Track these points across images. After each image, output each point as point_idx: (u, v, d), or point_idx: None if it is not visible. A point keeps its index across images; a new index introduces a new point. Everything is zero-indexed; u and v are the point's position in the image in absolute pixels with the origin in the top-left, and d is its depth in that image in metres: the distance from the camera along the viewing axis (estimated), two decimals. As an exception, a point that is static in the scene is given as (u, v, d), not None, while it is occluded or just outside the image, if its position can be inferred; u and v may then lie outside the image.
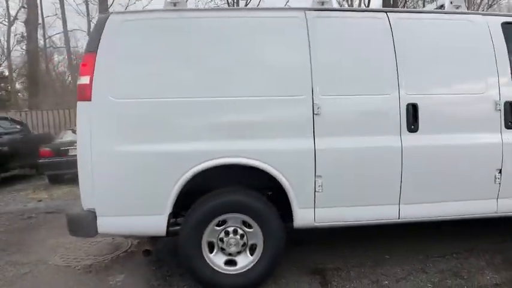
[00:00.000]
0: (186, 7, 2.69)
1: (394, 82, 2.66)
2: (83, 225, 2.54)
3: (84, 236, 2.78)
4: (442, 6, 3.06)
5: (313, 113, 2.58)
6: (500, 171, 2.76)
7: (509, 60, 2.80)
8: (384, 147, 2.65)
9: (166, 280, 2.85)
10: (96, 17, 3.46)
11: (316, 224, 2.68)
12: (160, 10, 2.67)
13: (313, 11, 2.71)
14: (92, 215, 2.52)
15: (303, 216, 2.64)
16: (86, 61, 2.52)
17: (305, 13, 2.70)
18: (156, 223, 2.55)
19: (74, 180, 8.76)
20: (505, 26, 2.86)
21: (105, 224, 2.53)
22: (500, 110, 2.75)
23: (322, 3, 2.74)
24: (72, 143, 8.32)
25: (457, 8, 2.89)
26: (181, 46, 2.58)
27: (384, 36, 2.71)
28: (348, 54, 2.68)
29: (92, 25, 16.31)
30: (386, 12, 2.80)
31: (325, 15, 2.71)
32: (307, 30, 2.65)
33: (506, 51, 2.81)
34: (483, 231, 3.50)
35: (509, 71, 2.79)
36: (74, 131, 9.72)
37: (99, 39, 2.52)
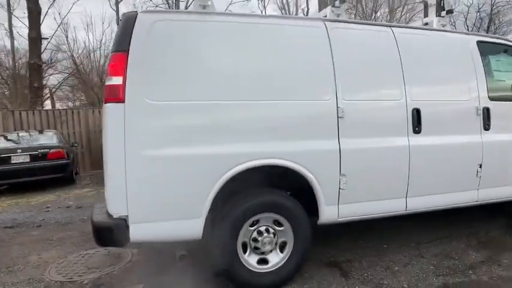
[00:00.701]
0: (214, 10, 2.71)
1: (402, 89, 3.01)
2: (114, 234, 2.40)
3: (115, 245, 2.61)
4: (427, 24, 3.52)
5: (338, 116, 2.80)
6: (480, 166, 3.27)
7: (484, 72, 3.35)
8: (396, 147, 2.97)
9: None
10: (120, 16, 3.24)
11: (339, 220, 2.89)
12: (192, 12, 2.66)
13: (332, 22, 2.93)
14: (124, 222, 2.40)
15: (329, 213, 2.83)
16: (116, 61, 2.40)
17: (325, 24, 2.91)
18: (193, 227, 2.51)
19: (16, 190, 7.85)
20: (480, 43, 3.41)
21: (138, 231, 2.42)
22: (480, 114, 3.27)
23: (338, 16, 2.98)
24: (13, 150, 7.47)
25: (444, 26, 3.37)
26: (213, 49, 2.60)
27: (391, 48, 3.05)
28: (363, 62, 2.95)
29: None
30: (391, 27, 3.15)
31: (342, 27, 2.96)
32: (329, 40, 2.86)
33: (482, 65, 3.35)
34: (455, 220, 4.06)
35: (485, 81, 3.33)
36: (6, 138, 8.72)
37: (130, 39, 2.42)
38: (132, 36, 2.43)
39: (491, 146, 3.29)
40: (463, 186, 3.27)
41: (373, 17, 24.68)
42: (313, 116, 2.77)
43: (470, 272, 2.93)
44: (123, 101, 2.37)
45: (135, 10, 2.58)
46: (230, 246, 2.58)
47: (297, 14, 23.11)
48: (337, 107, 2.79)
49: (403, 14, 28.90)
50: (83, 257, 3.52)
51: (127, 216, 2.40)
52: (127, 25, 2.46)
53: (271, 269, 2.70)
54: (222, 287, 2.71)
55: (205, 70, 2.56)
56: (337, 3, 3.01)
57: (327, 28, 2.89)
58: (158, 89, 2.44)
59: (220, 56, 2.61)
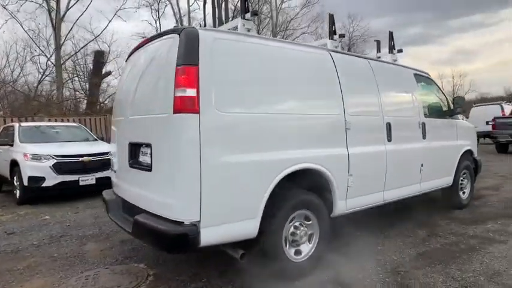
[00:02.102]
0: (255, 34, 3.08)
1: (380, 107, 3.89)
2: (187, 239, 2.48)
3: (185, 252, 2.66)
4: (379, 57, 4.57)
5: (346, 128, 3.48)
6: (422, 165, 4.42)
7: (420, 95, 4.56)
8: (379, 151, 3.81)
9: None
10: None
11: (347, 211, 3.54)
12: (242, 34, 2.97)
13: (335, 53, 3.63)
14: (195, 228, 2.52)
15: (340, 206, 3.45)
16: (189, 73, 2.54)
17: (330, 53, 3.58)
18: (251, 227, 2.78)
19: None
20: (415, 75, 4.63)
21: (208, 235, 2.56)
22: (420, 127, 4.43)
23: (336, 46, 3.71)
24: None
25: (395, 61, 4.47)
26: (262, 67, 2.96)
27: (371, 76, 3.92)
28: (356, 86, 3.72)
29: None
30: (368, 59, 4.04)
31: (340, 57, 3.68)
32: (335, 66, 3.54)
33: (420, 91, 4.56)
34: (400, 211, 5.18)
35: (421, 103, 4.53)
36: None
37: (198, 53, 2.60)
38: (200, 51, 2.61)
39: (427, 150, 4.48)
40: (413, 181, 4.36)
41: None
42: (330, 127, 3.38)
43: (427, 243, 3.96)
44: (198, 112, 2.52)
45: (191, 26, 2.74)
46: (278, 241, 2.93)
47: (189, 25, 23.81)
48: (345, 120, 3.48)
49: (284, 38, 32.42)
50: (86, 279, 3.24)
51: (198, 221, 2.52)
52: (192, 40, 2.62)
53: (304, 258, 3.14)
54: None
55: (259, 85, 2.90)
56: (248, 15, 3.25)
57: (332, 57, 3.57)
58: (225, 101, 2.67)
59: (267, 73, 2.98)
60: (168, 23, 28.59)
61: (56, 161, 6.76)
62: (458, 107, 5.00)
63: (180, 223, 2.53)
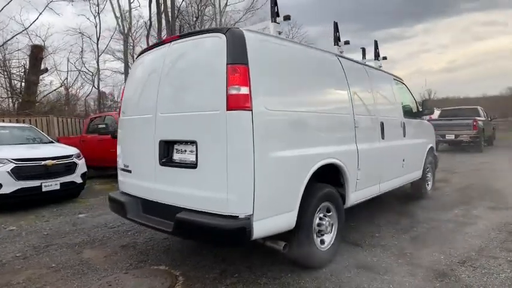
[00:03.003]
0: (284, 37, 3.24)
1: (375, 107, 4.30)
2: (244, 233, 2.55)
3: (239, 245, 2.69)
4: (365, 63, 5.02)
5: (355, 126, 3.79)
6: (404, 160, 4.95)
7: (401, 99, 5.10)
8: (377, 148, 4.21)
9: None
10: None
11: (355, 203, 3.85)
12: (279, 37, 3.12)
13: (342, 58, 3.94)
14: (249, 221, 2.59)
15: (351, 198, 3.75)
16: (240, 72, 2.61)
17: (338, 58, 3.88)
18: (290, 219, 2.92)
19: None
20: (394, 80, 5.17)
21: (260, 228, 2.65)
22: (402, 126, 4.96)
23: (341, 52, 4.03)
24: None
25: (380, 66, 4.95)
26: (297, 69, 3.14)
27: (367, 80, 4.32)
28: (358, 88, 4.07)
29: None
30: (364, 65, 4.44)
31: (346, 62, 4.00)
32: (344, 70, 3.84)
33: (399, 94, 5.10)
34: (381, 204, 5.67)
35: (401, 104, 5.08)
36: None
37: (247, 53, 2.68)
38: (248, 51, 2.69)
39: (406, 147, 5.04)
40: (399, 174, 4.87)
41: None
42: (345, 126, 3.67)
43: (414, 229, 4.47)
44: (250, 109, 2.61)
45: (235, 27, 2.80)
46: (310, 231, 3.12)
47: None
48: (354, 119, 3.80)
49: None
50: (109, 285, 3.07)
51: (251, 215, 2.60)
52: (240, 40, 2.70)
53: (327, 247, 3.37)
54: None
55: (294, 85, 3.06)
56: (279, 19, 3.41)
57: (340, 61, 3.87)
58: (270, 99, 2.78)
59: (300, 75, 3.16)
60: (108, 19, 27.00)
61: (14, 165, 6.08)
62: (425, 109, 5.68)
63: (235, 217, 2.58)
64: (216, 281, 3.11)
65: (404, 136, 5.01)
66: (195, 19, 27.88)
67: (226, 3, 33.14)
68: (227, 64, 2.63)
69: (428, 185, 6.05)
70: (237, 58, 2.64)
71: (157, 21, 25.37)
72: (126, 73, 29.59)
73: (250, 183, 2.58)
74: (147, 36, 26.48)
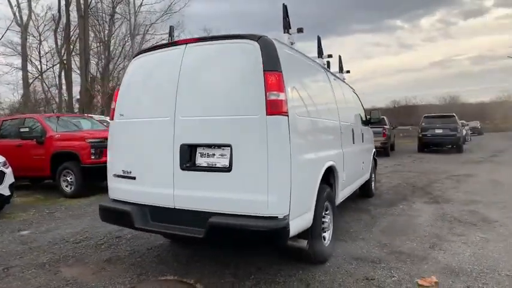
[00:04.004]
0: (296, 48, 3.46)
1: (345, 115, 4.78)
2: (285, 232, 2.66)
3: (282, 244, 2.73)
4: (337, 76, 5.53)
5: (340, 132, 4.19)
6: (363, 162, 5.57)
7: (362, 107, 5.73)
8: (351, 151, 4.69)
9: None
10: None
11: (340, 201, 4.23)
12: (294, 48, 3.30)
13: (327, 71, 4.32)
14: (287, 221, 2.72)
15: (339, 197, 4.12)
16: (277, 78, 2.73)
17: (325, 70, 4.25)
18: (310, 217, 3.12)
19: None
20: (353, 92, 5.79)
21: (293, 227, 2.79)
22: (360, 134, 5.57)
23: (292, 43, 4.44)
24: None
25: (344, 79, 5.50)
26: (309, 78, 3.38)
27: (339, 89, 4.79)
28: (338, 97, 4.50)
29: None
30: (336, 77, 4.90)
31: (329, 73, 4.40)
32: (329, 80, 4.23)
33: (357, 104, 5.73)
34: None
35: (359, 114, 5.71)
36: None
37: (279, 61, 2.82)
38: (279, 59, 2.83)
39: (364, 151, 5.68)
40: (361, 175, 5.46)
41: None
42: (336, 131, 4.04)
43: (377, 222, 5.07)
44: (287, 114, 2.74)
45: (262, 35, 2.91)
46: (320, 228, 3.37)
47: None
48: (340, 125, 4.20)
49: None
50: (123, 300, 2.83)
51: (288, 215, 2.73)
52: (273, 48, 2.82)
53: (328, 243, 3.66)
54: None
55: (310, 94, 3.29)
56: (291, 30, 3.58)
57: (326, 73, 4.25)
58: (298, 106, 2.96)
59: (312, 84, 3.40)
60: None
61: None
62: (372, 117, 6.48)
63: (274, 218, 2.68)
64: (237, 284, 3.13)
65: (362, 141, 5.65)
66: (109, 17, 26.09)
67: (142, 3, 31.82)
68: (264, 71, 2.73)
69: (373, 185, 6.87)
70: (273, 65, 2.76)
71: (66, 15, 23.07)
72: (24, 69, 25.99)
73: (288, 185, 2.72)
74: (55, 31, 23.77)
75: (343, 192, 4.30)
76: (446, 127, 15.87)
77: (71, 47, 24.27)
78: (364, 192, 6.66)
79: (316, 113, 3.43)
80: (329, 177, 3.87)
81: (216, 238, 2.86)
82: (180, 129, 2.99)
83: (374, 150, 6.90)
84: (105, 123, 10.73)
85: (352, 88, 5.97)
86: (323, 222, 3.56)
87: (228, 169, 2.79)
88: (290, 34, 3.49)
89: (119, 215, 3.24)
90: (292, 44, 3.43)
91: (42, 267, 3.66)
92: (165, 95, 3.10)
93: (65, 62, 21.73)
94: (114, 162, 3.40)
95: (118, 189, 3.38)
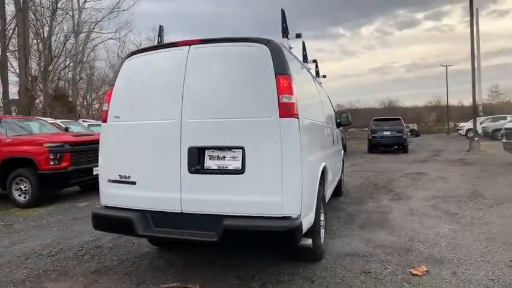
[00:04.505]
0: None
1: (329, 119, 5.00)
2: (300, 231, 2.73)
3: (293, 244, 2.77)
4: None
5: (327, 134, 4.38)
6: (339, 163, 5.84)
7: (332, 108, 6.00)
8: (333, 152, 4.90)
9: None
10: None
11: (327, 200, 4.41)
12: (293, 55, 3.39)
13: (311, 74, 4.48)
14: (300, 220, 2.79)
15: (327, 196, 4.29)
16: (288, 82, 2.80)
17: (315, 82, 4.42)
18: (312, 217, 3.23)
19: None
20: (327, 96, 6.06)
21: (304, 226, 2.87)
22: (337, 134, 5.84)
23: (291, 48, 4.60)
24: None
25: (320, 84, 5.73)
26: (307, 82, 3.49)
27: (324, 94, 4.99)
28: (324, 100, 4.69)
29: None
30: (319, 82, 5.08)
31: (315, 78, 4.57)
32: (315, 84, 4.40)
33: (332, 108, 5.99)
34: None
35: (334, 117, 5.98)
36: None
37: (288, 65, 2.90)
38: (288, 62, 2.91)
39: (338, 152, 5.96)
40: (338, 174, 5.71)
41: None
42: (325, 133, 4.21)
43: (354, 220, 5.34)
44: (298, 116, 2.82)
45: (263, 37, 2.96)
46: (320, 227, 3.50)
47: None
48: (326, 128, 4.38)
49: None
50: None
51: (299, 214, 2.81)
52: (281, 52, 2.89)
53: (322, 240, 3.79)
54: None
55: (309, 97, 3.40)
56: (290, 36, 3.67)
57: (313, 78, 4.41)
58: (304, 109, 3.05)
59: (310, 88, 3.52)
60: None
61: None
62: (342, 120, 6.80)
63: (288, 218, 2.74)
64: (244, 286, 3.13)
65: (338, 143, 5.93)
66: (51, 12, 24.26)
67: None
68: (276, 74, 2.79)
69: (342, 184, 7.21)
70: (283, 69, 2.83)
71: (0, 7, 21.03)
72: None
73: (300, 185, 2.80)
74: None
75: (328, 192, 4.48)
76: (393, 129, 17.09)
77: (6, 43, 22.14)
78: (335, 191, 6.96)
79: (312, 116, 3.56)
80: (322, 177, 4.03)
81: (230, 241, 2.84)
82: (187, 131, 2.93)
83: (342, 151, 7.25)
84: (67, 126, 9.97)
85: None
86: (320, 221, 3.69)
87: (240, 171, 2.80)
88: (288, 39, 3.58)
89: (118, 222, 3.08)
90: (290, 48, 3.53)
91: (22, 284, 3.34)
92: (169, 97, 3.02)
93: (0, 59, 19.72)
94: (109, 167, 3.22)
95: (113, 195, 3.20)
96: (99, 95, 35.37)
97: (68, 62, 29.99)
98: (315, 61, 4.82)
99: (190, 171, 2.90)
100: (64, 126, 9.85)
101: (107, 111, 3.27)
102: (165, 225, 3.01)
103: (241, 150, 2.80)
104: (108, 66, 37.47)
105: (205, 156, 2.91)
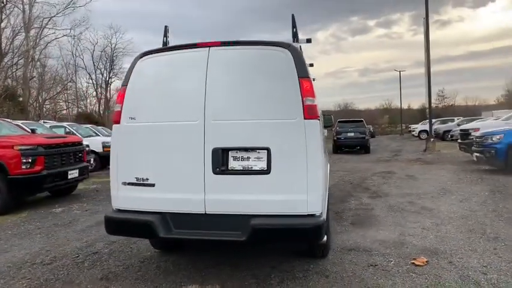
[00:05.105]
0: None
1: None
2: (323, 228, 2.86)
3: (319, 240, 2.86)
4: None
5: (324, 134, 4.56)
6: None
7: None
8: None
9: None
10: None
11: (325, 199, 4.59)
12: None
13: None
14: (323, 217, 2.93)
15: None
16: (309, 85, 2.92)
17: None
18: (325, 215, 3.37)
19: None
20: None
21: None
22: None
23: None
24: None
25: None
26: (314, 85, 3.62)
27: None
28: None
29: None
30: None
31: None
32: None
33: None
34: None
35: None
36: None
37: (307, 68, 3.02)
38: (307, 66, 3.04)
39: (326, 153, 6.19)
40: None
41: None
42: (324, 133, 4.38)
43: (344, 217, 5.59)
44: (319, 118, 2.96)
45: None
46: (328, 224, 3.65)
47: None
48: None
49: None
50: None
51: (322, 212, 2.95)
52: (300, 56, 3.01)
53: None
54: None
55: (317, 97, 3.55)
56: (300, 40, 3.82)
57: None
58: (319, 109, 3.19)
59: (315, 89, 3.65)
60: None
61: None
62: (325, 122, 7.06)
63: (312, 215, 2.86)
64: (263, 284, 3.19)
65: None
66: (0, 5, 22.51)
67: (38, -6, 28.35)
68: (299, 77, 2.90)
69: (323, 183, 7.49)
70: (305, 72, 2.94)
71: None
72: None
73: (322, 184, 2.93)
74: None
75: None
76: (356, 131, 17.93)
77: None
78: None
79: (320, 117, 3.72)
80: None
81: (257, 239, 2.89)
82: (211, 133, 2.94)
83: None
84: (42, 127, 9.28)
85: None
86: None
87: (266, 171, 2.87)
88: (299, 43, 3.70)
89: (136, 225, 3.01)
90: (300, 48, 3.66)
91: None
92: (191, 98, 3.01)
93: None
94: (123, 169, 3.14)
95: (128, 198, 3.13)
96: (52, 95, 33.32)
97: (16, 59, 27.95)
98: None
99: (215, 172, 2.92)
100: (29, 128, 9.21)
101: (120, 112, 3.18)
102: (186, 227, 3.00)
103: (266, 151, 2.88)
104: (61, 64, 35.42)
105: (229, 157, 2.95)
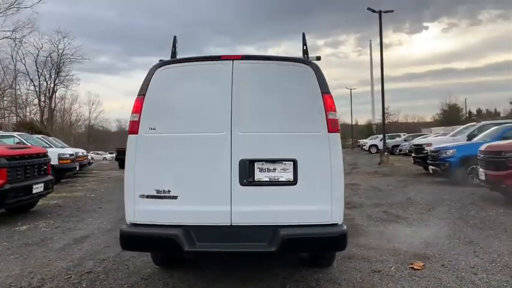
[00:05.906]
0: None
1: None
2: (347, 235, 2.98)
3: (343, 248, 2.93)
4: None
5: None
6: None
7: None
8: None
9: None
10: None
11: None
12: None
13: None
14: (344, 226, 3.05)
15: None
16: (331, 100, 3.07)
17: None
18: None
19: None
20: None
21: (344, 231, 3.15)
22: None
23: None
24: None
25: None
26: None
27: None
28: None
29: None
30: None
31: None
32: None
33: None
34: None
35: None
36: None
37: (327, 84, 3.18)
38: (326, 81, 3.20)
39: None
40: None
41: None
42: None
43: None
44: (340, 131, 3.12)
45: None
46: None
47: None
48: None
49: None
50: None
51: (343, 221, 3.08)
52: (321, 73, 3.16)
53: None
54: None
55: None
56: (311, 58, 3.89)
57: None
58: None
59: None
60: None
61: None
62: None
63: (335, 225, 2.98)
64: (281, 294, 3.23)
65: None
66: None
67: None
68: (322, 93, 3.05)
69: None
70: (327, 88, 3.10)
71: None
72: None
73: (343, 194, 3.07)
74: None
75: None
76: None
77: None
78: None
79: None
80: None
81: (287, 250, 2.93)
82: (238, 144, 2.96)
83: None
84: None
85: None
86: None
87: (293, 182, 2.94)
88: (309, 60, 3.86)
89: (159, 240, 2.90)
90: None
91: None
92: (216, 110, 3.01)
93: None
94: (142, 181, 3.01)
95: (146, 212, 3.00)
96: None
97: None
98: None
99: (242, 184, 2.93)
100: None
101: (138, 121, 3.08)
102: (209, 239, 2.95)
103: (292, 162, 2.96)
104: (-2, 68, 32.62)
105: (255, 168, 2.98)
